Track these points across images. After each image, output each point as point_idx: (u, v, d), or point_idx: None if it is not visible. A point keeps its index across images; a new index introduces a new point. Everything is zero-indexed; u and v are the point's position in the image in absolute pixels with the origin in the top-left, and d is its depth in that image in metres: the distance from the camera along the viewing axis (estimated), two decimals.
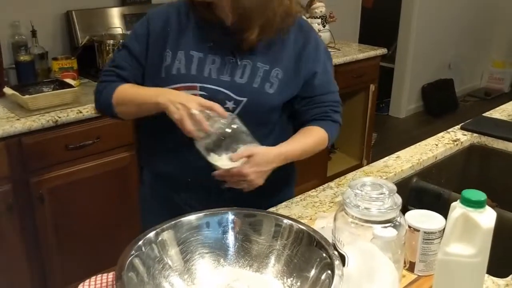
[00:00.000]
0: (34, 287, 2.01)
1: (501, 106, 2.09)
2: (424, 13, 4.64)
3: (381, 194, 0.85)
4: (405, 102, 4.90)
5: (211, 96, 1.17)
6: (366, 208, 0.84)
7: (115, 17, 2.57)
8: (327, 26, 3.25)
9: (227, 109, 1.16)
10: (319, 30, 3.20)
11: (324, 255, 0.84)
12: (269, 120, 1.25)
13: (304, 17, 1.32)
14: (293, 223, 0.92)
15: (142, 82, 1.25)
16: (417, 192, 1.54)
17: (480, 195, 0.82)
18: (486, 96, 5.45)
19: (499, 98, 5.12)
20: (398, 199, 0.85)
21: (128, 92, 1.22)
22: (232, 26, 1.18)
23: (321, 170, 3.19)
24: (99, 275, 0.97)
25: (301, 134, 1.28)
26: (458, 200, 0.84)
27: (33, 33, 2.28)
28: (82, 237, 2.07)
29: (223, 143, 1.10)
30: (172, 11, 1.24)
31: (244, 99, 1.19)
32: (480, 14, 5.30)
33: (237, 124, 1.12)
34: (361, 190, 0.85)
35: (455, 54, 5.24)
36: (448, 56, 5.16)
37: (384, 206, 0.84)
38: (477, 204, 0.82)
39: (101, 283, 0.94)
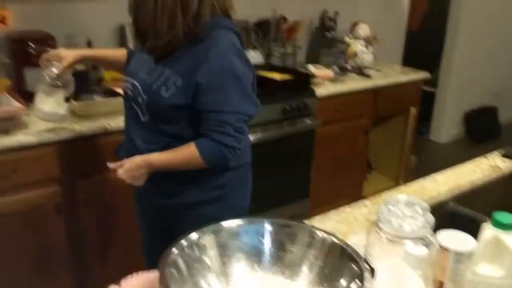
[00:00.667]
0: (74, 285, 2.10)
1: None
2: (469, 39, 4.60)
3: (414, 212, 0.88)
4: (446, 126, 4.85)
5: (132, 88, 1.44)
6: (399, 225, 0.87)
7: None
8: (370, 48, 3.28)
9: (139, 104, 1.43)
10: (362, 52, 3.24)
11: (355, 267, 0.87)
12: (173, 120, 1.40)
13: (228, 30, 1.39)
14: (326, 236, 0.96)
15: None
16: (452, 216, 1.54)
17: (511, 218, 0.84)
18: None
19: None
20: (431, 218, 0.88)
21: None
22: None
23: (356, 189, 3.20)
24: (141, 273, 1.03)
25: (178, 147, 1.41)
26: (489, 221, 0.86)
27: (88, 44, 2.42)
28: (123, 239, 2.16)
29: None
30: None
31: (146, 97, 1.40)
32: None
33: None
34: (395, 207, 0.88)
35: (501, 83, 5.15)
36: (493, 84, 5.08)
37: (417, 223, 0.87)
38: (508, 227, 0.84)
39: (143, 280, 1.01)
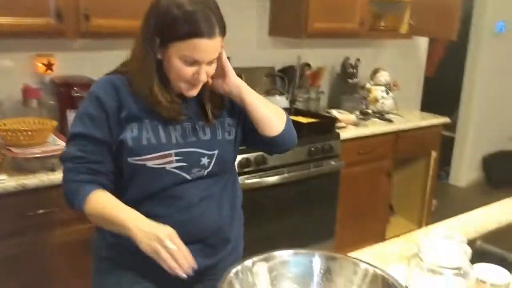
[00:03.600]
0: None
1: None
2: (486, 84, 4.71)
3: (452, 244, 0.95)
4: (465, 171, 4.89)
5: (186, 158, 1.26)
6: (438, 255, 0.95)
7: None
8: (390, 94, 3.40)
9: (203, 166, 1.29)
10: (383, 97, 3.35)
11: None
12: (231, 167, 1.40)
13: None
14: (369, 267, 1.03)
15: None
16: (481, 255, 1.59)
17: None
18: None
19: None
20: (468, 249, 0.95)
21: (99, 206, 1.21)
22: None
23: (379, 232, 3.24)
24: None
25: None
26: None
27: None
28: None
29: None
30: (118, 85, 1.24)
31: (216, 151, 1.31)
32: None
33: None
34: (435, 239, 0.96)
35: None
36: (510, 128, 5.14)
37: (455, 254, 0.94)
38: None
39: None
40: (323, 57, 3.34)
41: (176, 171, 1.26)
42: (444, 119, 3.40)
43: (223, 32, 1.19)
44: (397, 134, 3.09)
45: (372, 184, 3.08)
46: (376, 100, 3.34)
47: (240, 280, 0.97)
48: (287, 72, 3.11)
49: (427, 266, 0.95)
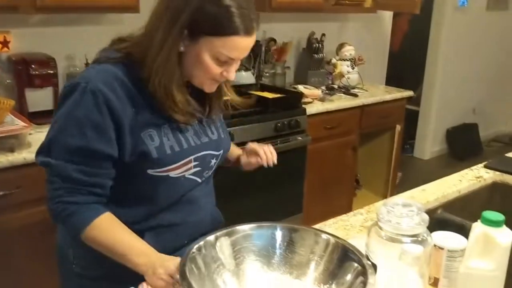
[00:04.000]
0: None
1: None
2: (449, 58, 4.79)
3: (411, 211, 0.97)
4: (429, 144, 5.00)
5: (201, 162, 1.17)
6: (397, 223, 0.96)
7: None
8: (355, 68, 3.42)
9: (211, 167, 1.23)
10: (348, 72, 3.37)
11: (358, 264, 0.96)
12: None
13: None
14: (331, 237, 1.04)
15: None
16: (441, 223, 1.63)
17: (498, 216, 0.94)
18: (511, 141, 5.51)
19: None
20: (425, 217, 0.97)
21: (108, 236, 1.05)
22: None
23: (346, 206, 3.29)
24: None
25: None
26: (479, 220, 0.96)
27: (87, 65, 2.49)
28: None
29: None
30: (124, 81, 1.05)
31: (221, 151, 1.25)
32: (505, 61, 5.43)
33: None
34: (393, 208, 0.98)
35: (480, 100, 5.34)
36: (473, 101, 5.27)
37: (413, 222, 0.96)
38: (496, 223, 0.93)
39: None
40: (288, 32, 3.32)
41: (192, 177, 1.17)
42: (408, 93, 3.45)
43: (258, 27, 1.07)
44: (362, 108, 3.12)
45: (339, 159, 3.12)
46: (341, 75, 3.36)
47: (203, 256, 0.97)
48: (252, 48, 3.08)
49: (386, 234, 0.97)
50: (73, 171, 1.02)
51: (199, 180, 1.20)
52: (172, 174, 1.11)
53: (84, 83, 1.02)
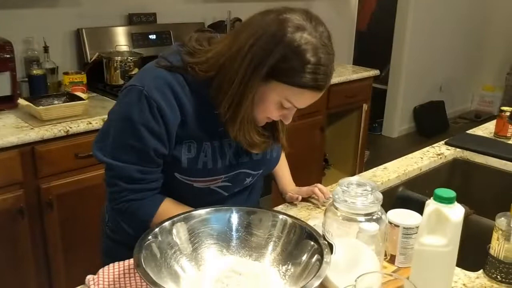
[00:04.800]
0: (40, 287, 2.11)
1: (484, 124, 2.24)
2: (416, 37, 4.83)
3: (365, 190, 0.98)
4: (397, 122, 5.06)
5: (232, 179, 1.19)
6: (352, 202, 0.97)
7: (122, 35, 2.72)
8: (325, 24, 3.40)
9: (245, 185, 1.24)
10: None
11: (314, 244, 0.96)
12: None
13: None
14: (288, 218, 1.04)
15: None
16: (403, 200, 1.66)
17: (450, 193, 0.95)
18: (476, 118, 5.63)
19: (488, 120, 5.27)
20: (379, 195, 0.98)
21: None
22: None
23: None
24: (116, 263, 1.09)
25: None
26: (432, 198, 0.97)
27: (45, 49, 2.42)
28: (87, 242, 2.18)
29: None
30: (178, 92, 1.08)
31: (260, 171, 1.27)
32: (471, 39, 5.51)
33: None
34: (348, 187, 0.98)
35: (446, 77, 5.43)
36: (439, 79, 5.35)
37: (368, 201, 0.97)
38: (448, 200, 0.95)
39: (118, 271, 1.06)
40: (253, 12, 3.27)
41: (218, 189, 1.19)
42: (374, 72, 3.47)
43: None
44: (328, 88, 3.09)
45: (307, 139, 3.13)
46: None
47: (159, 242, 0.96)
48: (217, 28, 3.04)
49: (342, 214, 0.98)
50: (133, 172, 1.09)
51: (226, 194, 1.21)
52: (197, 184, 1.16)
53: (141, 87, 1.06)
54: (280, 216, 1.05)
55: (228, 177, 1.18)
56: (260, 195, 1.46)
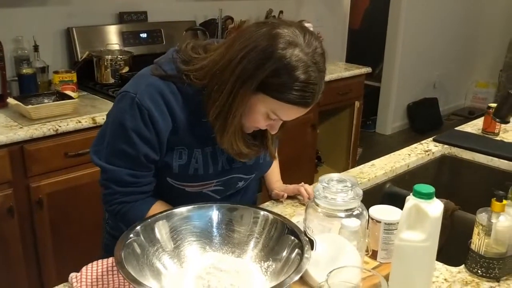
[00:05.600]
0: (31, 286, 2.11)
1: (473, 121, 2.25)
2: (409, 34, 4.84)
3: (345, 186, 0.98)
4: (390, 119, 5.08)
5: (225, 183, 1.21)
6: (332, 199, 0.98)
7: (113, 34, 2.72)
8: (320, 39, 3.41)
9: (237, 188, 1.26)
10: None
11: (295, 239, 0.97)
12: None
13: None
14: (269, 214, 1.05)
15: None
16: (390, 196, 1.67)
17: (429, 188, 0.96)
18: (469, 115, 5.64)
19: (482, 117, 5.30)
20: (359, 191, 0.99)
21: None
22: None
23: (308, 183, 3.32)
24: (99, 261, 1.09)
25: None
26: (411, 193, 0.98)
27: (35, 47, 2.42)
28: (77, 241, 2.18)
29: None
30: (170, 101, 1.09)
31: (253, 175, 1.28)
32: (464, 36, 5.53)
33: None
34: (328, 184, 0.99)
35: (440, 74, 5.44)
36: (433, 76, 5.36)
37: (348, 196, 0.98)
38: (427, 196, 0.95)
39: (102, 269, 1.07)
40: (245, 10, 3.29)
41: (211, 193, 1.21)
42: (367, 69, 3.48)
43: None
44: None
45: (299, 137, 3.13)
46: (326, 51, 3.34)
47: (141, 241, 0.96)
48: (208, 26, 3.05)
49: (322, 210, 0.98)
50: (124, 175, 1.12)
51: (218, 197, 1.23)
52: (189, 189, 1.18)
53: (133, 94, 1.08)
54: (262, 213, 1.06)
55: (221, 181, 1.20)
56: (255, 196, 1.47)
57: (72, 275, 1.05)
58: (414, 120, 5.22)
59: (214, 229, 1.06)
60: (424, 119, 5.21)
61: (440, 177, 1.88)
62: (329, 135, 3.67)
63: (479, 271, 1.10)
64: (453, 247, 1.43)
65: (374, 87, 5.16)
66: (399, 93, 5.02)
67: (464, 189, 1.84)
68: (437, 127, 5.23)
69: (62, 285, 1.05)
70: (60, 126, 2.03)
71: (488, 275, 1.09)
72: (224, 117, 1.05)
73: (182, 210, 1.04)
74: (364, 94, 3.57)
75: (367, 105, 4.91)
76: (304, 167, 3.30)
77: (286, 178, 3.09)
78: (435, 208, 0.96)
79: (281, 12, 3.35)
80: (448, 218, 1.59)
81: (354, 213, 0.98)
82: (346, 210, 0.98)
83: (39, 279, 2.14)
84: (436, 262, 1.16)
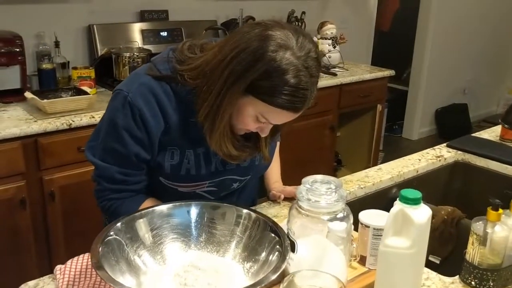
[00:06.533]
0: (41, 276, 2.15)
1: (492, 128, 2.17)
2: (439, 38, 4.72)
3: (329, 188, 0.96)
4: (417, 124, 4.96)
5: (218, 184, 1.19)
6: (316, 201, 0.95)
7: (134, 32, 2.75)
8: (337, 47, 3.38)
9: (232, 189, 1.25)
10: (329, 51, 3.33)
11: (275, 239, 0.95)
12: None
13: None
14: (251, 212, 1.04)
15: None
16: (394, 201, 1.62)
17: (416, 194, 0.93)
18: None
19: None
20: (344, 193, 0.96)
21: None
22: None
23: None
24: (86, 254, 1.10)
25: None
26: (398, 198, 0.94)
27: (56, 43, 2.47)
28: (88, 233, 2.21)
29: None
30: (162, 101, 1.09)
31: (248, 177, 1.26)
32: (496, 40, 5.35)
33: None
34: (312, 186, 0.96)
35: (470, 80, 5.28)
36: (463, 81, 5.22)
37: (332, 199, 0.95)
38: (413, 201, 0.92)
39: (87, 262, 1.07)
40: (267, 10, 3.27)
41: (204, 194, 1.21)
42: (389, 72, 3.40)
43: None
44: (340, 87, 3.09)
45: (316, 139, 3.10)
46: (322, 54, 3.31)
47: (120, 239, 0.96)
48: (229, 26, 3.05)
49: (304, 213, 0.96)
50: (115, 173, 1.13)
51: (212, 198, 1.22)
52: (181, 189, 1.18)
53: (126, 92, 1.08)
54: (244, 211, 1.04)
55: (214, 182, 1.19)
56: (254, 196, 1.44)
57: (57, 267, 1.07)
58: (442, 126, 5.09)
59: (195, 227, 1.05)
60: (452, 126, 5.07)
61: (451, 184, 1.82)
62: (350, 138, 3.61)
63: (472, 283, 1.06)
64: (459, 257, 1.37)
65: (402, 91, 5.06)
66: (427, 98, 4.91)
67: (475, 198, 1.77)
68: (466, 134, 5.08)
69: (47, 276, 1.06)
70: (73, 121, 2.06)
71: (482, 286, 1.05)
72: (212, 117, 1.04)
73: (163, 208, 1.04)
74: (391, 98, 3.51)
75: (394, 109, 4.83)
76: (321, 170, 3.22)
77: (300, 179, 3.02)
78: (422, 214, 0.93)
79: (303, 13, 3.32)
80: (454, 227, 1.54)
81: (338, 216, 0.95)
82: (330, 213, 0.95)
83: (50, 270, 2.17)
84: (430, 271, 1.12)
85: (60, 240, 2.17)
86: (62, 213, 2.14)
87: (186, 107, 1.09)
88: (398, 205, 0.94)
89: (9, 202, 1.97)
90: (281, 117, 1.03)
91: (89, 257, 1.08)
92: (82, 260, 1.08)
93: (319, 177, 0.98)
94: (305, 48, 0.99)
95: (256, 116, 1.03)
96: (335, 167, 3.50)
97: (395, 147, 4.69)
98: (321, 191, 0.95)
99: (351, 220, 0.98)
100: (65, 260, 2.16)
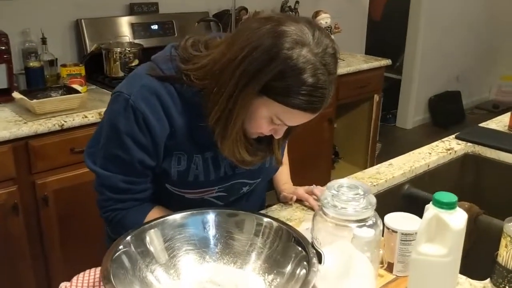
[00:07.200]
0: (38, 284, 2.06)
1: (498, 117, 2.12)
2: (431, 26, 4.67)
3: (357, 194, 0.89)
4: (411, 113, 4.92)
5: (227, 189, 1.13)
6: (343, 208, 0.88)
7: (123, 26, 2.65)
8: (332, 37, 3.29)
9: (241, 193, 1.18)
10: None
11: (301, 249, 0.88)
12: None
13: None
14: (273, 221, 0.96)
15: None
16: (408, 199, 1.57)
17: (451, 197, 0.86)
18: (494, 108, 5.44)
19: (507, 111, 5.10)
20: (373, 199, 0.89)
21: None
22: None
23: (324, 179, 3.22)
24: (92, 269, 1.02)
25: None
26: (431, 202, 0.88)
27: (43, 40, 2.36)
28: (84, 238, 2.13)
29: None
30: (166, 103, 1.01)
31: (258, 180, 1.19)
32: (488, 28, 5.32)
33: None
34: (338, 191, 0.89)
35: (463, 67, 5.25)
36: (455, 69, 5.18)
37: (360, 206, 0.88)
38: (448, 206, 0.85)
39: (94, 278, 1.00)
40: (260, 1, 3.18)
41: (213, 200, 1.14)
42: (386, 61, 3.34)
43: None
44: (337, 78, 2.99)
45: (314, 132, 3.03)
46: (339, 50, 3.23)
47: (130, 253, 0.88)
48: (222, 17, 2.95)
49: (331, 220, 0.89)
50: (118, 182, 1.05)
51: (221, 203, 1.15)
52: (189, 196, 1.11)
53: (127, 95, 1.00)
54: (265, 219, 0.97)
55: (223, 187, 1.12)
56: (263, 198, 1.38)
57: (62, 285, 0.98)
58: (435, 114, 5.05)
59: (212, 237, 0.98)
60: (446, 113, 5.04)
61: (463, 177, 1.77)
62: (347, 129, 3.55)
63: (506, 287, 1.00)
64: (478, 255, 1.32)
65: (395, 79, 5.00)
66: (420, 86, 4.86)
67: (488, 191, 1.72)
68: (460, 121, 5.06)
69: None
70: (65, 122, 1.96)
71: None
72: (224, 122, 0.96)
73: (176, 217, 0.96)
74: (384, 87, 3.44)
75: (387, 98, 4.76)
76: (320, 163, 3.19)
77: (302, 174, 2.99)
78: (458, 219, 0.86)
79: (297, 2, 3.24)
80: (472, 223, 1.48)
81: (367, 224, 0.89)
82: (358, 221, 0.88)
83: (46, 276, 2.09)
84: (460, 275, 1.06)
85: (56, 246, 2.08)
86: (57, 218, 2.04)
87: (193, 109, 1.02)
88: (431, 209, 0.87)
89: (0, 208, 1.88)
90: (298, 118, 0.96)
91: (96, 272, 1.01)
92: (88, 276, 0.99)
93: (345, 181, 0.91)
94: (323, 43, 0.91)
95: (271, 118, 0.96)
96: (333, 159, 3.44)
97: (391, 137, 4.64)
98: (349, 197, 0.88)
99: (381, 227, 0.92)
100: (62, 266, 2.09)
